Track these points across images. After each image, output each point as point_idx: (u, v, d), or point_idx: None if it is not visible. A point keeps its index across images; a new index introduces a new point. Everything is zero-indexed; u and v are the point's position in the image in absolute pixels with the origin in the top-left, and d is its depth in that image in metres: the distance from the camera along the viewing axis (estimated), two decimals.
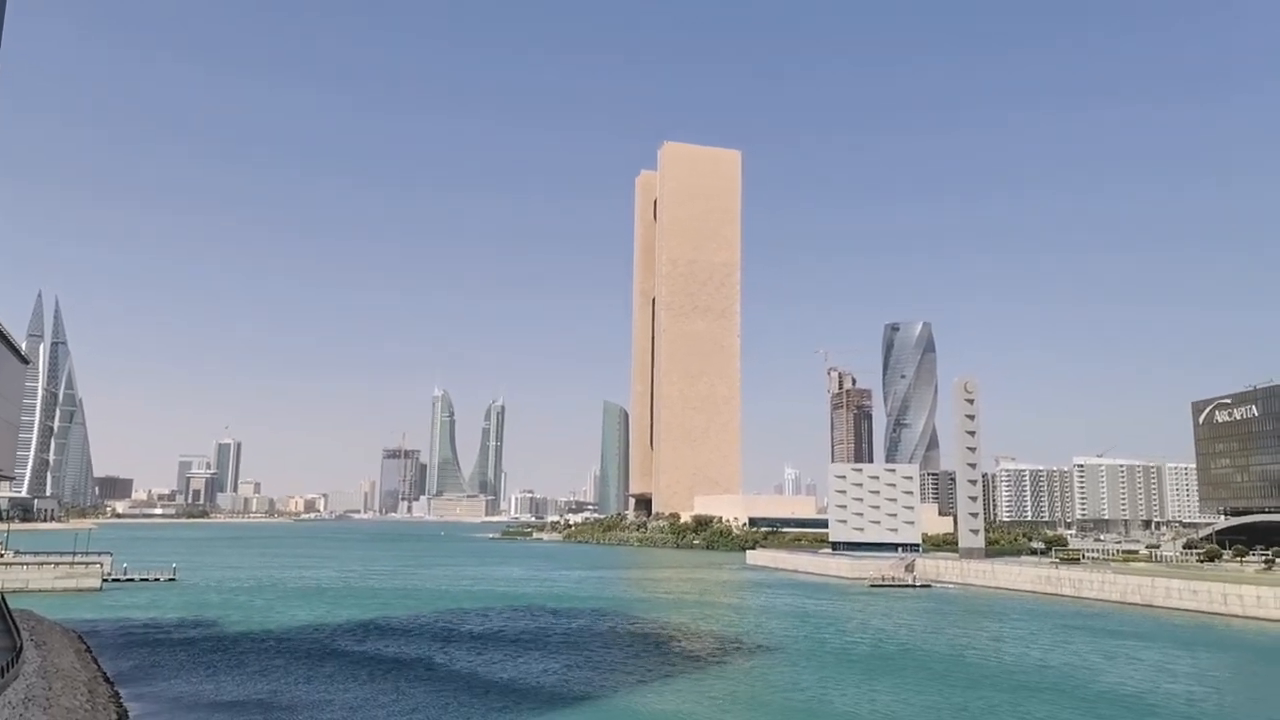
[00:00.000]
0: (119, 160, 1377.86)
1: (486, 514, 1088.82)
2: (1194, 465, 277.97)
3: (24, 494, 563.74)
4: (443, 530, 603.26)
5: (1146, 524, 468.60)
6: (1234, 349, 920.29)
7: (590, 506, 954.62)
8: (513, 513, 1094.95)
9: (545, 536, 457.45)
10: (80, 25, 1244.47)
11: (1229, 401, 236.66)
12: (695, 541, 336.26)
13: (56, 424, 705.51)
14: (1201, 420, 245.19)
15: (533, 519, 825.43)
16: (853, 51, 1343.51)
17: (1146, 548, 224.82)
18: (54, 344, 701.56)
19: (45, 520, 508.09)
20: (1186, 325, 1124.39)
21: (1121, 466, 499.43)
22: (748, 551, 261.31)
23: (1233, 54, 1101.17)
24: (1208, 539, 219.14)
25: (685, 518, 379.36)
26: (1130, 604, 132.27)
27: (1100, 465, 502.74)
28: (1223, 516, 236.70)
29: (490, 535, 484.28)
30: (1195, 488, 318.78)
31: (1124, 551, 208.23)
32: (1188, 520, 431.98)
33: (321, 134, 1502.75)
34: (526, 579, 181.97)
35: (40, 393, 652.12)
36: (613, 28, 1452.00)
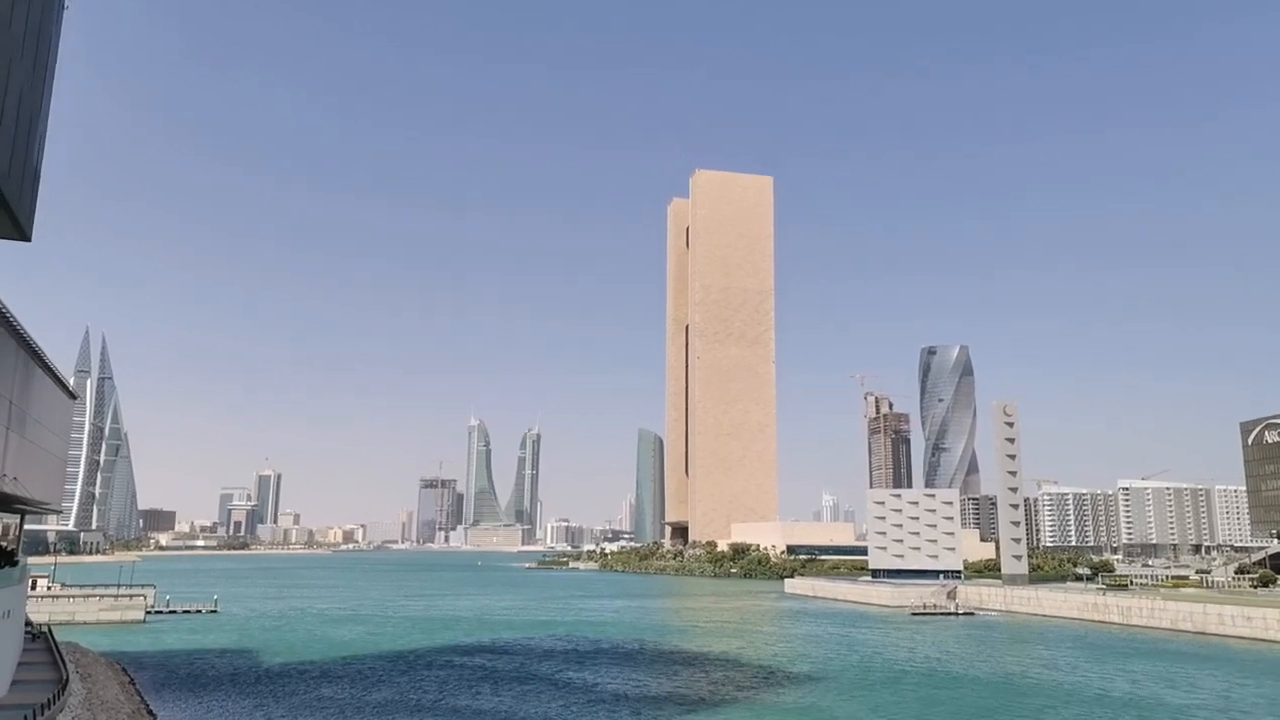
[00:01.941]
0: (156, 186, 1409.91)
1: (523, 543, 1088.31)
2: (1244, 487, 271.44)
3: (71, 527, 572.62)
4: (479, 560, 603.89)
5: (1196, 549, 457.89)
6: None
7: (626, 535, 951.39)
8: (549, 542, 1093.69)
9: (581, 565, 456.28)
10: (139, 38, 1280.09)
11: (1279, 422, 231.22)
12: (733, 570, 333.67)
13: (103, 458, 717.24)
14: (1251, 441, 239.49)
15: (569, 548, 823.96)
16: (883, 70, 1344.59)
17: (1197, 573, 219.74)
18: (100, 379, 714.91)
19: (91, 553, 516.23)
20: (1232, 343, 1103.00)
21: (1168, 489, 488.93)
22: (786, 580, 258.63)
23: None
24: (1260, 563, 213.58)
25: (722, 546, 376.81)
26: (1181, 631, 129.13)
27: (1146, 488, 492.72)
28: (1276, 540, 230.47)
29: (527, 565, 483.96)
30: (1246, 511, 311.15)
31: (1173, 577, 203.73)
32: (1239, 544, 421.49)
33: (357, 156, 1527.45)
34: (566, 608, 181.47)
35: (87, 427, 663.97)
36: (643, 52, 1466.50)
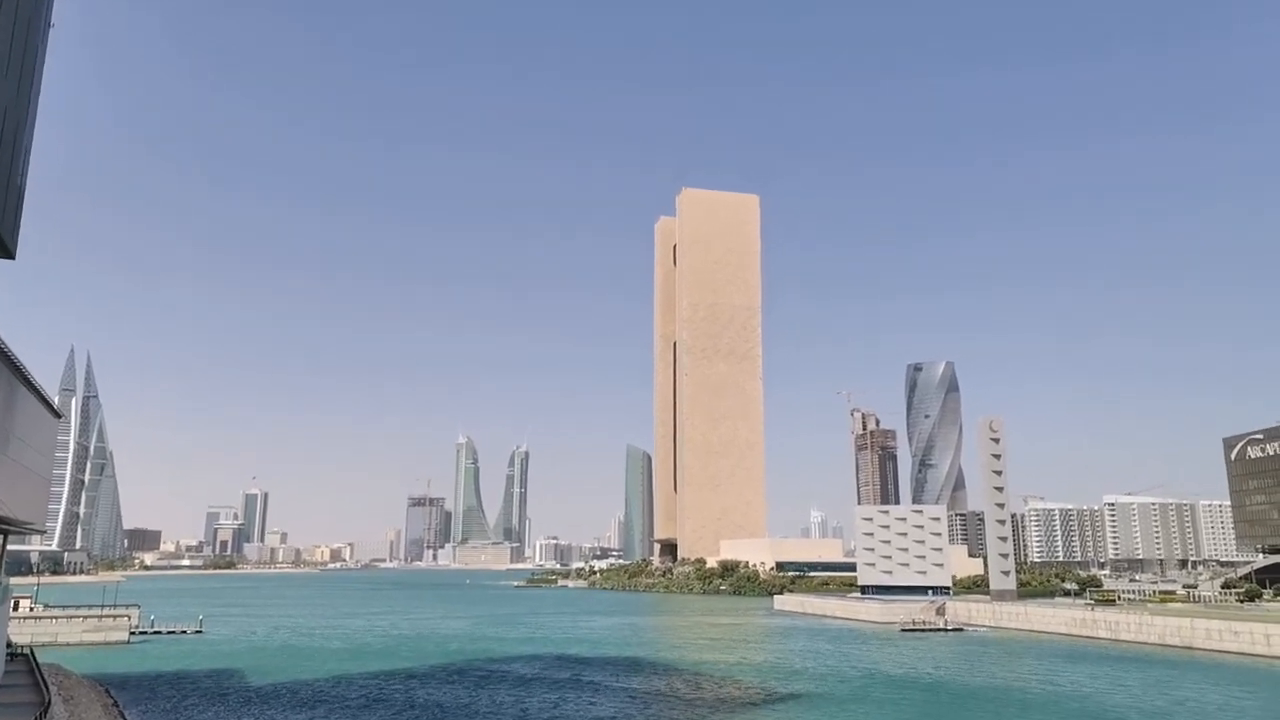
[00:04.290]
0: (142, 202, 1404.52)
1: (511, 561, 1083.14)
2: (1229, 502, 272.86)
3: (55, 547, 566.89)
4: (468, 578, 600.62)
5: (1182, 563, 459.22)
6: (1264, 383, 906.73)
7: (615, 552, 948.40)
8: (537, 559, 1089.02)
9: (570, 583, 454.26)
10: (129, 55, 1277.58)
11: (1261, 437, 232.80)
12: (722, 587, 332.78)
13: (87, 477, 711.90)
14: (1234, 456, 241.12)
15: (557, 566, 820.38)
16: (870, 85, 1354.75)
17: (1184, 588, 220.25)
18: (86, 397, 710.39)
19: (75, 573, 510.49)
20: (1215, 359, 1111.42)
21: (1154, 505, 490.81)
22: (775, 596, 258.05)
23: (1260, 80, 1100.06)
24: (1246, 578, 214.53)
25: (711, 563, 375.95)
26: (1169, 646, 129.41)
27: (1132, 503, 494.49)
28: (1261, 554, 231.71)
29: (515, 583, 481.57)
30: (1231, 525, 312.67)
31: (1161, 592, 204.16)
32: (1225, 559, 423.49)
33: (339, 171, 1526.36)
34: (555, 626, 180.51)
35: (72, 446, 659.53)
36: (631, 71, 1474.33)
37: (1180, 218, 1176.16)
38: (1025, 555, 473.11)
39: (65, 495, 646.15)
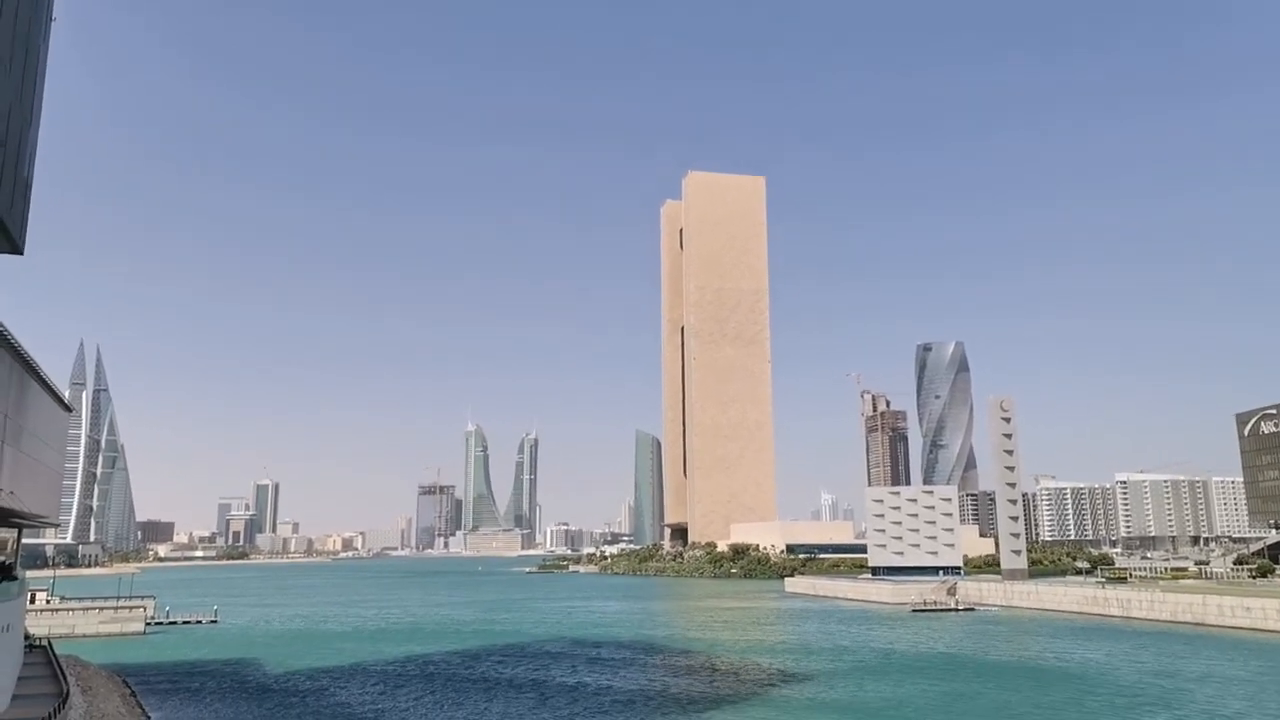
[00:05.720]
0: (150, 197, 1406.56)
1: (522, 548, 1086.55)
2: (1241, 479, 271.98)
3: (69, 540, 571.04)
4: (480, 565, 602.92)
5: (1195, 540, 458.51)
6: (1277, 359, 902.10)
7: (626, 537, 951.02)
8: (548, 546, 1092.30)
9: (582, 569, 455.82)
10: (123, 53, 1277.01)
11: (1274, 412, 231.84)
12: (733, 570, 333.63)
13: (99, 470, 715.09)
14: (1247, 432, 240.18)
15: (568, 551, 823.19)
16: (876, 67, 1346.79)
17: (1196, 564, 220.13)
18: (96, 391, 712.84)
19: (89, 566, 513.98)
20: (1227, 335, 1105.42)
21: (1166, 482, 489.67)
22: (786, 579, 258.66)
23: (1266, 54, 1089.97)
24: (1259, 554, 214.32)
25: (722, 546, 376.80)
26: (1181, 622, 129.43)
27: (1144, 481, 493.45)
28: (1274, 530, 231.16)
29: (527, 569, 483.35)
30: (1244, 502, 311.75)
31: (1172, 569, 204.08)
32: (1237, 535, 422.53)
33: (350, 164, 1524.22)
34: (568, 612, 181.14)
35: (83, 439, 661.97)
36: (635, 55, 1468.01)
37: (1190, 196, 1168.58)
38: (1037, 535, 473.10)
39: (78, 488, 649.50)
